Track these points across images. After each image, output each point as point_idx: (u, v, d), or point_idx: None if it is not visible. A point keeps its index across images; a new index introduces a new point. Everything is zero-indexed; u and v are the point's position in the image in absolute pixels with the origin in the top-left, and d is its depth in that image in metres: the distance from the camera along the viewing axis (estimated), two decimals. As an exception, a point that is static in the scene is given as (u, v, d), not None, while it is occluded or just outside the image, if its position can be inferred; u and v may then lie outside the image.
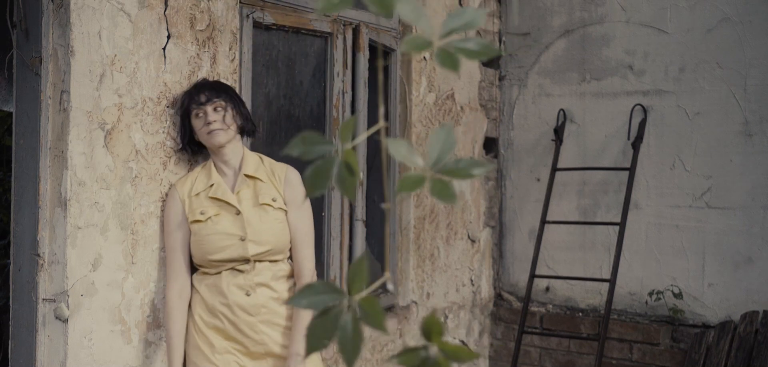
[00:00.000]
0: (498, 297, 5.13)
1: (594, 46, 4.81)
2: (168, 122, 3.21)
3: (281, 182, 3.12)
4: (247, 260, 3.03)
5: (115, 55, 3.04)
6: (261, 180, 3.10)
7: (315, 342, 1.01)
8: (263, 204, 3.07)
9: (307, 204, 3.17)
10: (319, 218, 3.98)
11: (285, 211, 3.11)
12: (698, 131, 4.47)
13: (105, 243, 3.03)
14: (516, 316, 4.96)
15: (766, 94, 4.30)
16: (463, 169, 1.05)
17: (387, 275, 1.08)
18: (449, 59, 1.03)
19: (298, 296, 1.04)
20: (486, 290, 5.07)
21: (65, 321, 2.94)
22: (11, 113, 4.00)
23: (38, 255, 3.00)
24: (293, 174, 3.16)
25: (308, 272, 3.13)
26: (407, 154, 1.06)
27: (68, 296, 2.93)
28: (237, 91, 3.46)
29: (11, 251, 3.15)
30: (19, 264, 3.10)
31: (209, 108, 3.08)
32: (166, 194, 3.18)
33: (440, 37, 1.04)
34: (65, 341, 2.94)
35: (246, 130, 3.20)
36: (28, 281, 3.05)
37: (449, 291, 4.75)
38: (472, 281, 4.94)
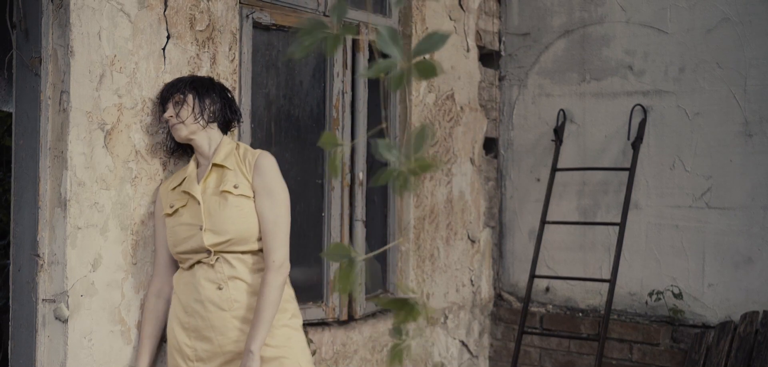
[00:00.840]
0: (498, 297, 5.13)
1: (594, 46, 4.81)
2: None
3: (250, 169, 2.97)
4: (208, 252, 2.93)
5: (115, 56, 3.04)
6: (228, 168, 2.99)
7: (342, 285, 1.34)
8: (223, 191, 2.94)
9: (280, 192, 2.98)
10: (319, 218, 3.98)
11: (250, 198, 2.96)
12: (698, 131, 4.47)
13: (105, 243, 3.03)
14: (516, 316, 4.96)
15: (766, 94, 4.30)
16: (418, 166, 1.28)
17: (400, 239, 1.33)
18: (396, 81, 1.27)
19: (328, 251, 1.36)
20: (486, 290, 5.07)
21: (65, 321, 2.94)
22: (11, 113, 4.00)
23: (38, 255, 3.00)
24: (264, 159, 2.99)
25: (272, 264, 2.90)
26: (388, 151, 1.29)
27: (68, 296, 2.93)
28: (235, 91, 3.46)
29: (11, 251, 3.15)
30: (19, 264, 3.10)
31: (169, 105, 3.05)
32: None
33: (411, 58, 1.27)
34: (65, 341, 2.94)
35: (221, 119, 3.10)
36: (28, 281, 3.05)
37: (449, 291, 4.74)
38: (472, 281, 4.94)
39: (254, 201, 2.96)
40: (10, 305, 3.14)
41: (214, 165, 3.01)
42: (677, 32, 4.54)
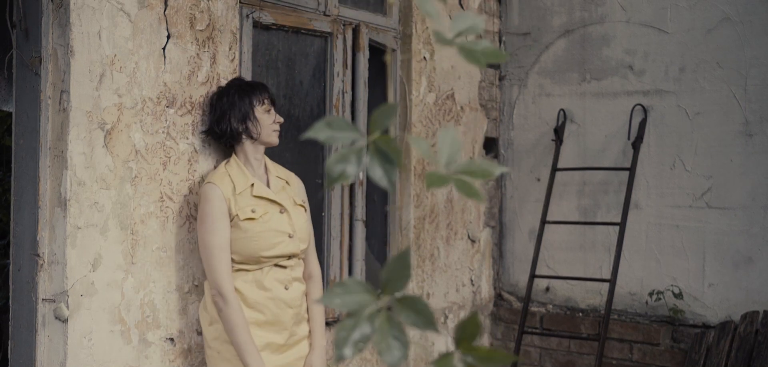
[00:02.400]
0: (498, 297, 5.13)
1: (594, 46, 4.81)
2: (168, 122, 3.21)
3: (294, 186, 3.33)
4: (290, 257, 3.19)
5: (115, 55, 3.04)
6: (288, 183, 3.29)
7: (344, 344, 0.96)
8: (298, 204, 3.27)
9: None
10: (319, 217, 3.98)
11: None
12: (698, 131, 4.47)
13: (105, 243, 3.03)
14: (516, 316, 4.96)
15: (766, 94, 4.30)
16: (482, 170, 1.06)
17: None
18: (473, 55, 1.05)
19: (330, 295, 0.99)
20: (486, 290, 5.07)
21: (65, 321, 2.94)
22: (11, 113, 4.00)
23: (38, 255, 2.99)
24: (300, 181, 3.41)
25: (318, 272, 3.40)
26: (429, 151, 1.05)
27: (68, 296, 2.93)
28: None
29: (11, 251, 3.15)
30: (19, 264, 3.10)
31: (273, 110, 3.28)
32: (204, 192, 3.12)
33: (453, 36, 1.07)
34: (65, 341, 2.94)
35: None
36: (28, 281, 3.04)
37: (449, 291, 4.74)
38: (472, 281, 4.94)
39: None
40: (10, 305, 3.14)
41: (278, 177, 3.28)
42: (677, 32, 4.53)
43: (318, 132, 1.02)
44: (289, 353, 3.20)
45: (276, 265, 3.17)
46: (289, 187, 3.29)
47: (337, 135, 1.02)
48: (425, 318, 0.95)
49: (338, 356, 0.96)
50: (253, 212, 3.12)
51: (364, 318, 0.96)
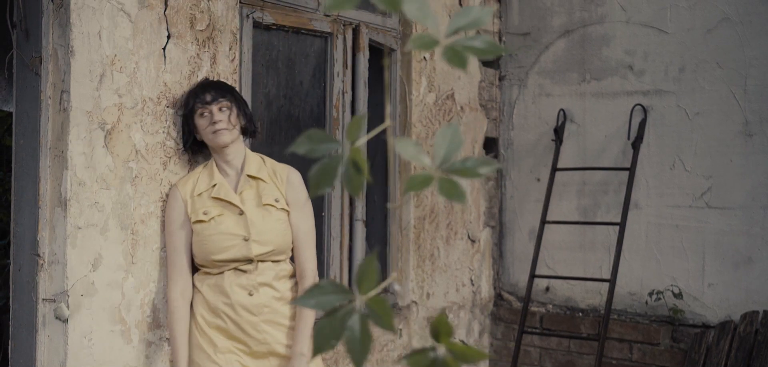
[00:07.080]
0: (498, 297, 5.13)
1: (594, 46, 4.81)
2: (168, 122, 3.21)
3: (283, 183, 3.12)
4: (250, 261, 3.04)
5: (115, 55, 3.04)
6: (263, 180, 3.10)
7: (322, 342, 1.01)
8: (266, 204, 3.07)
9: (309, 205, 3.18)
10: (319, 217, 3.98)
11: (287, 211, 3.12)
12: (698, 131, 4.47)
13: (105, 243, 3.03)
14: (516, 316, 4.96)
15: (766, 94, 4.30)
16: (470, 168, 1.05)
17: (394, 275, 1.09)
18: (457, 57, 1.02)
19: (305, 297, 1.03)
20: (486, 290, 5.07)
21: (65, 321, 2.94)
22: (11, 113, 4.00)
23: (38, 255, 3.00)
24: (295, 175, 3.17)
25: (310, 273, 3.14)
26: (415, 153, 1.06)
27: (68, 296, 2.93)
28: (237, 91, 3.47)
29: (11, 251, 3.15)
30: (19, 264, 3.10)
31: (214, 107, 3.09)
32: (167, 194, 3.18)
33: (446, 35, 1.03)
34: (65, 341, 2.94)
35: (248, 131, 3.21)
36: (28, 281, 3.05)
37: (449, 291, 4.74)
38: (472, 281, 4.94)
39: (288, 214, 3.13)
40: (10, 305, 3.14)
41: (249, 176, 3.10)
42: (677, 32, 4.54)
43: (299, 147, 1.07)
44: (264, 362, 3.07)
45: (237, 269, 3.04)
46: (266, 185, 3.10)
47: (316, 148, 1.07)
48: (385, 319, 1.01)
49: (317, 350, 1.03)
50: (204, 214, 3.05)
51: (338, 318, 1.01)
